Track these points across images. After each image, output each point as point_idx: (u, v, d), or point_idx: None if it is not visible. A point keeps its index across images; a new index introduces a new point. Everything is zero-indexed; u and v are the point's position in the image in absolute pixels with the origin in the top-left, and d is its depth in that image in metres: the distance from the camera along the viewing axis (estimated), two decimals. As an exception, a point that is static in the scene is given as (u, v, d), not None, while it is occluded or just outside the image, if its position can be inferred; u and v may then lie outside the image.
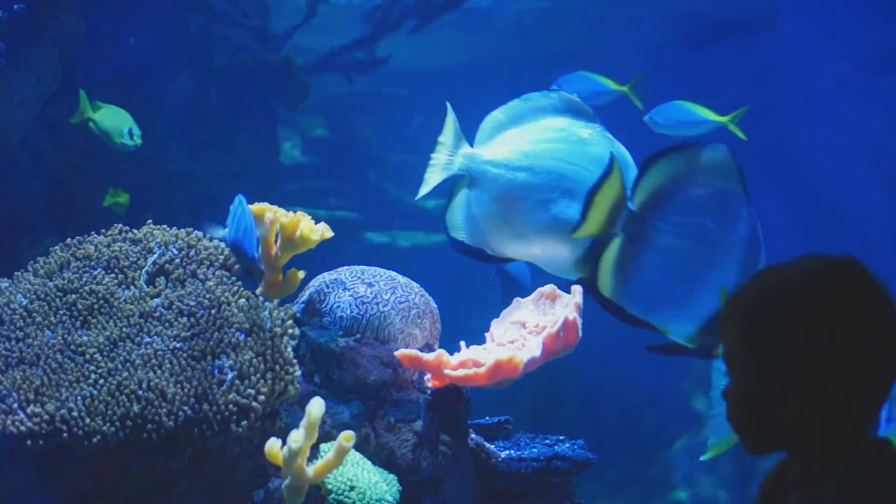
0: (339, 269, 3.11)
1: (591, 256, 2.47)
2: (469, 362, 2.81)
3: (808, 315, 1.32)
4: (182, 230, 2.97)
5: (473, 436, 3.07)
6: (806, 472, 1.35)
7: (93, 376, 2.57)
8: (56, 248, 2.92)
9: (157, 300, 2.76)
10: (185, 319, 2.71)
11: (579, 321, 2.85)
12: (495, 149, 2.56)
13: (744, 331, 1.36)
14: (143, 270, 2.84)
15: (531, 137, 2.55)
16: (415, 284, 3.11)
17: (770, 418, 1.35)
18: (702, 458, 3.13)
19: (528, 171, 2.53)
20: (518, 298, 3.06)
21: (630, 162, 2.54)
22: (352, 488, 2.56)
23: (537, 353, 2.77)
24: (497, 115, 2.60)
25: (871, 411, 1.35)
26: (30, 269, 2.88)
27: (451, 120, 2.58)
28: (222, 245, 2.91)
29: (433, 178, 2.59)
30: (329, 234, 2.88)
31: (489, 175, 2.55)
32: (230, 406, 2.57)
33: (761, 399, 1.35)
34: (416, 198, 2.63)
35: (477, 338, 3.00)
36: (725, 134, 4.58)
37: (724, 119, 4.60)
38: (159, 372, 2.59)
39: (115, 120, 4.54)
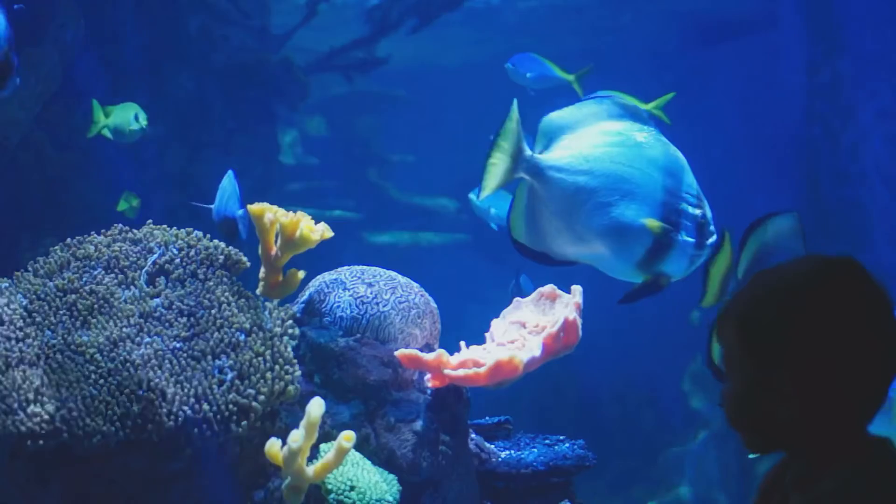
0: (339, 269, 3.11)
1: (651, 259, 2.53)
2: (469, 362, 2.81)
3: (808, 314, 1.32)
4: (182, 230, 2.97)
5: (473, 436, 3.07)
6: (805, 472, 1.35)
7: (93, 376, 2.57)
8: (56, 248, 2.92)
9: (157, 300, 2.76)
10: (184, 319, 2.71)
11: (579, 321, 2.85)
12: (555, 153, 2.55)
13: (743, 330, 1.36)
14: (143, 270, 2.85)
15: (589, 142, 2.56)
16: (415, 284, 3.11)
17: (770, 418, 1.35)
18: (750, 456, 3.19)
19: (588, 174, 2.53)
20: (518, 298, 3.06)
21: (685, 165, 2.59)
22: (352, 488, 2.56)
23: (537, 353, 2.77)
24: (553, 119, 2.59)
25: (870, 410, 1.35)
26: (30, 269, 2.88)
27: (514, 122, 2.51)
28: (222, 245, 2.91)
29: (495, 180, 2.52)
30: (329, 234, 2.88)
31: (552, 180, 2.54)
32: (230, 406, 2.57)
33: (761, 399, 1.35)
34: (479, 199, 2.62)
35: (477, 338, 3.00)
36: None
37: (648, 106, 4.63)
38: (159, 372, 2.59)
39: (122, 115, 4.56)
